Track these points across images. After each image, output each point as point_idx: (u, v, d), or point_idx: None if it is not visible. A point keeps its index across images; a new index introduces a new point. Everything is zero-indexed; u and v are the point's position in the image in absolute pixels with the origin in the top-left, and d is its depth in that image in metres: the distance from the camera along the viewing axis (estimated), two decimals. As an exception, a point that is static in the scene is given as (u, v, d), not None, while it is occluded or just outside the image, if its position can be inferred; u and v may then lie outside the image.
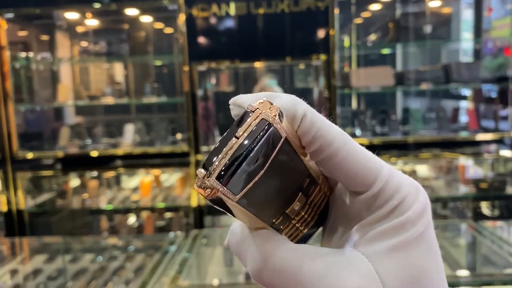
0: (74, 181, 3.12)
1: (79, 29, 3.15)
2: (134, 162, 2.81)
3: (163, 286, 1.52)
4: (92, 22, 3.11)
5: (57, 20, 3.11)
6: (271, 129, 0.25)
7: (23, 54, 3.04)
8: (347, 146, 0.27)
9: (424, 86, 2.77)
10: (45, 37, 3.19)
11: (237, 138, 0.24)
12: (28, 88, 3.07)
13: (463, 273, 1.58)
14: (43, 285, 1.67)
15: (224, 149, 0.24)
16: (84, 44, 3.17)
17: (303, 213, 0.30)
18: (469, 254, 1.89)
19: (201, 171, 0.24)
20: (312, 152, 0.27)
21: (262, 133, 0.25)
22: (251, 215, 0.27)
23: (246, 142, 0.24)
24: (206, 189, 0.24)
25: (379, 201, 0.26)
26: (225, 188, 0.24)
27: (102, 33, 3.16)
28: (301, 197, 0.29)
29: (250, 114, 0.25)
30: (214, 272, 1.70)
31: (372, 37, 3.17)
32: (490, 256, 1.75)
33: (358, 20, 3.02)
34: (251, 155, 0.24)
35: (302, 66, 2.88)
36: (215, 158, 0.24)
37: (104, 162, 2.80)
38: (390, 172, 0.27)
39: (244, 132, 0.25)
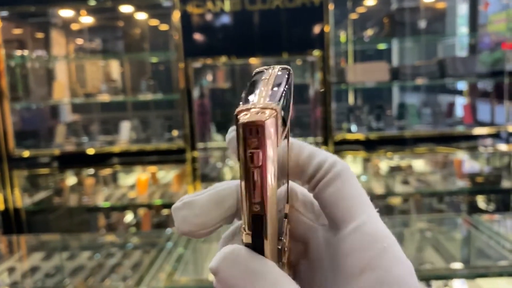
0: (70, 179, 3.12)
1: (74, 26, 3.14)
2: (130, 159, 2.81)
3: (160, 282, 1.53)
4: (87, 20, 3.10)
5: (52, 18, 3.10)
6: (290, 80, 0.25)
7: (18, 52, 3.03)
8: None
9: (420, 81, 2.78)
10: (40, 35, 3.18)
11: (267, 79, 0.24)
12: (23, 86, 3.06)
13: (458, 265, 1.59)
14: (41, 283, 1.67)
15: (262, 82, 0.24)
16: (79, 41, 3.17)
17: (286, 243, 0.27)
18: (464, 248, 1.90)
19: (247, 102, 0.23)
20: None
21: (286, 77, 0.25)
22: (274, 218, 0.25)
23: (279, 73, 0.24)
24: (262, 111, 0.22)
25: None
26: (280, 108, 0.23)
27: (97, 31, 3.15)
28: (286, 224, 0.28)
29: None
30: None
31: (368, 32, 3.18)
32: (485, 249, 1.76)
33: (354, 16, 3.02)
34: (288, 87, 0.24)
35: (299, 62, 2.88)
36: (257, 90, 0.24)
37: (101, 160, 2.80)
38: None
39: (270, 76, 0.25)
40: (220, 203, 0.28)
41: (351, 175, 0.27)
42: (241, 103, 0.24)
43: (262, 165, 0.23)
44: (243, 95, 0.25)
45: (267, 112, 0.23)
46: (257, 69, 0.27)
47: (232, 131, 0.28)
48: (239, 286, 0.23)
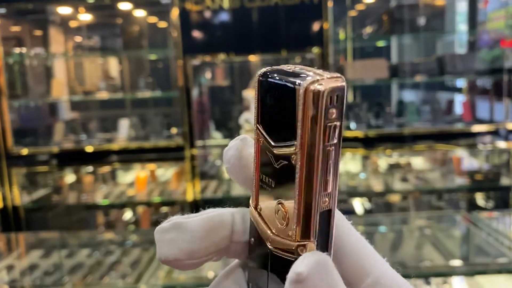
0: (69, 177, 3.11)
1: (73, 23, 3.13)
2: (129, 157, 2.80)
3: (158, 279, 1.53)
4: (85, 17, 3.09)
5: (50, 15, 3.08)
6: None
7: (16, 50, 3.02)
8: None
9: (419, 78, 2.77)
10: (38, 32, 3.17)
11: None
12: (22, 83, 3.05)
13: (457, 263, 1.59)
14: (40, 280, 1.67)
15: (301, 67, 0.22)
16: (78, 39, 3.16)
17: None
18: (463, 245, 1.90)
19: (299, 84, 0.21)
20: None
21: None
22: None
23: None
24: (336, 79, 0.20)
25: None
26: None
27: (96, 28, 3.15)
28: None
29: None
30: (209, 264, 1.71)
31: (367, 29, 3.17)
32: (484, 246, 1.76)
33: (353, 13, 3.02)
34: None
35: (298, 59, 2.88)
36: (305, 71, 0.21)
37: (100, 157, 2.79)
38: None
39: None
40: (214, 231, 0.25)
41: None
42: (288, 84, 0.21)
43: (336, 143, 0.21)
44: (284, 81, 0.22)
45: (340, 79, 0.21)
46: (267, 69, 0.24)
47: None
48: None
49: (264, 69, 0.24)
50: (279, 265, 0.23)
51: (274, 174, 0.23)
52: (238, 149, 0.27)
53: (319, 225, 0.21)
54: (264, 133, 0.24)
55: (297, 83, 0.20)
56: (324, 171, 0.21)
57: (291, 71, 0.22)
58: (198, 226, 0.25)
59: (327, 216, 0.22)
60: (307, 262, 0.20)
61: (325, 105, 0.20)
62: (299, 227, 0.21)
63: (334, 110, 0.20)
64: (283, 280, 0.21)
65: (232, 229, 0.26)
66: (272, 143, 0.23)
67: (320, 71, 0.21)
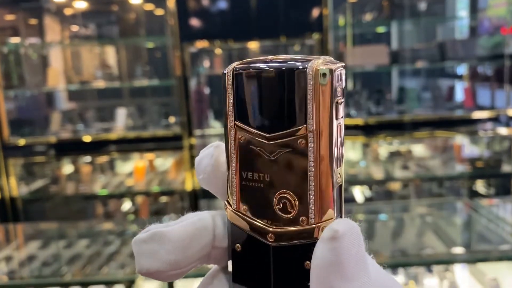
0: (67, 167, 3.09)
1: (68, 11, 3.08)
2: (127, 146, 2.78)
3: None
4: (81, 5, 3.04)
5: (45, 3, 3.04)
6: None
7: (12, 39, 2.98)
8: None
9: (420, 64, 2.74)
10: (33, 21, 3.12)
11: None
12: (18, 73, 3.02)
13: (459, 250, 1.58)
14: (38, 271, 1.66)
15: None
16: (74, 28, 3.11)
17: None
18: (465, 232, 1.89)
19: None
20: None
21: None
22: None
23: None
24: (334, 63, 0.22)
25: None
26: None
27: (91, 16, 3.10)
28: None
29: None
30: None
31: (367, 15, 3.13)
32: (485, 233, 1.75)
33: (353, -1, 2.97)
34: None
35: (297, 47, 2.84)
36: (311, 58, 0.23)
37: (97, 147, 2.77)
38: None
39: None
40: (197, 238, 0.24)
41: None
42: (290, 68, 0.22)
43: (343, 118, 0.22)
44: (280, 68, 0.22)
45: (335, 61, 0.22)
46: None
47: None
48: (355, 258, 0.20)
49: (234, 64, 0.24)
50: (285, 257, 0.23)
51: (269, 167, 0.23)
52: (214, 157, 0.26)
53: (336, 201, 0.22)
54: (250, 128, 0.23)
55: (301, 66, 0.21)
56: (337, 146, 0.22)
57: (269, 60, 0.23)
58: (181, 234, 0.24)
59: (340, 191, 0.22)
60: (343, 224, 0.20)
61: (333, 83, 0.21)
62: (318, 207, 0.22)
63: (339, 88, 0.22)
64: (290, 272, 0.22)
65: (214, 233, 0.25)
66: (267, 135, 0.23)
67: (303, 56, 0.22)
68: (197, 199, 2.75)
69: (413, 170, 2.81)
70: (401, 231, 1.82)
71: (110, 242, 1.87)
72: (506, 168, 2.77)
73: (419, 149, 3.05)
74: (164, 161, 3.17)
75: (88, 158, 3.00)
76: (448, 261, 1.57)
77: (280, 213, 0.23)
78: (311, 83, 0.21)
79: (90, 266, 1.65)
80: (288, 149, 0.22)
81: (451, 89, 3.03)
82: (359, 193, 2.94)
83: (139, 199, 2.98)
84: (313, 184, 0.22)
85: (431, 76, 3.19)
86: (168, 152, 2.95)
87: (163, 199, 2.95)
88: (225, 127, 0.24)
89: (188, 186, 2.74)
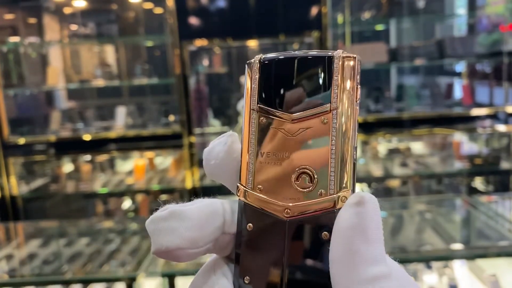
0: (67, 166, 3.10)
1: (67, 10, 3.08)
2: (127, 145, 2.79)
3: (158, 267, 1.52)
4: (80, 3, 3.04)
5: (44, 2, 3.04)
6: None
7: (11, 38, 2.98)
8: None
9: (418, 62, 2.75)
10: (32, 20, 3.12)
11: None
12: (17, 72, 3.02)
13: (458, 246, 1.59)
14: (39, 269, 1.66)
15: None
16: (74, 27, 3.11)
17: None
18: (463, 229, 1.89)
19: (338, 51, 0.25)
20: None
21: None
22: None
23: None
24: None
25: None
26: None
27: (91, 14, 3.10)
28: None
29: None
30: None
31: (366, 13, 3.13)
32: (484, 230, 1.76)
33: (351, -4, 2.97)
34: None
35: (296, 45, 2.84)
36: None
37: (97, 146, 2.78)
38: None
39: None
40: (211, 220, 0.25)
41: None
42: (321, 55, 0.25)
43: (359, 102, 0.24)
44: (310, 56, 0.25)
45: (351, 53, 0.25)
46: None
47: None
48: (377, 224, 0.22)
49: (258, 56, 0.26)
50: (300, 231, 0.24)
51: (289, 145, 0.25)
52: (228, 143, 0.27)
53: (353, 176, 0.24)
54: (274, 110, 0.25)
55: (330, 54, 0.24)
56: (355, 126, 0.24)
57: (294, 52, 0.25)
58: (198, 213, 0.24)
59: (355, 168, 0.24)
60: (366, 193, 0.23)
61: (355, 69, 0.24)
62: (337, 180, 0.24)
63: (358, 76, 0.24)
64: (305, 245, 0.24)
65: (224, 218, 0.26)
66: (292, 115, 0.25)
67: (319, 50, 0.25)
68: (197, 197, 2.75)
69: (412, 167, 2.81)
70: (400, 227, 1.83)
71: (110, 240, 1.87)
72: (504, 164, 2.77)
73: (418, 146, 3.06)
74: (164, 160, 3.18)
75: (88, 157, 3.00)
76: (447, 257, 1.58)
77: (299, 188, 0.24)
78: (338, 67, 0.24)
79: (91, 264, 1.66)
80: (311, 127, 0.24)
81: (450, 87, 3.04)
82: (358, 190, 2.94)
83: (139, 197, 2.98)
84: (334, 157, 0.23)
85: (429, 74, 3.20)
86: (168, 150, 2.95)
87: (163, 197, 2.95)
88: (245, 111, 0.26)
89: (188, 184, 2.74)
